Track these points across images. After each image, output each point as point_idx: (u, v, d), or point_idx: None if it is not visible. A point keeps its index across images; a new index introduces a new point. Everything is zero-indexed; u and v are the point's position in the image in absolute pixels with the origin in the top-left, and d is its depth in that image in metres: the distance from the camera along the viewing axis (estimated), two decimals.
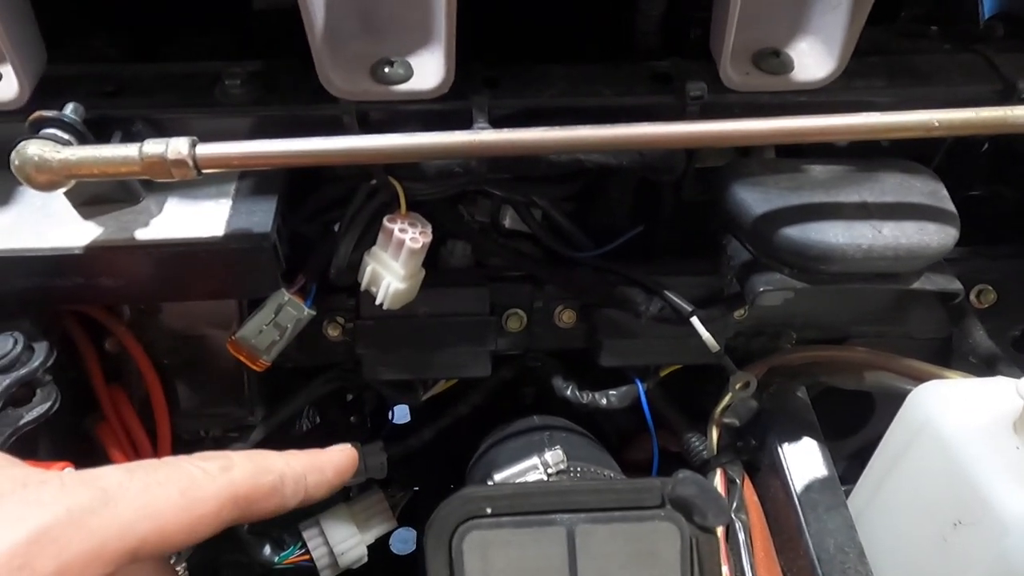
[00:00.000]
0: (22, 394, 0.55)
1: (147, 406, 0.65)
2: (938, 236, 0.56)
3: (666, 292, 0.63)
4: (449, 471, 0.78)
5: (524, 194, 0.66)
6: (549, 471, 0.61)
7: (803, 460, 0.63)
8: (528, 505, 0.46)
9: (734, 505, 0.64)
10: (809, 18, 0.59)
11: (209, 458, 0.39)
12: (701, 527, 0.46)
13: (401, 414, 1.00)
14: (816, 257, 0.55)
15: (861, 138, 0.53)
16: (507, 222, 0.68)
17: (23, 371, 0.54)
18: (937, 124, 0.50)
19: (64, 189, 0.50)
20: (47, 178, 0.49)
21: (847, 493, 0.62)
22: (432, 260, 0.66)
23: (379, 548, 0.79)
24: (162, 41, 0.67)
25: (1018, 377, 0.48)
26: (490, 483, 0.62)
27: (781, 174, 0.59)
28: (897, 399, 0.57)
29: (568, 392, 0.70)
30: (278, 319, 0.60)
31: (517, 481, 0.61)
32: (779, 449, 0.64)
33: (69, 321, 0.62)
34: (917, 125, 0.50)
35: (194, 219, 0.56)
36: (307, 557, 0.74)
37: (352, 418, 0.86)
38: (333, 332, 0.66)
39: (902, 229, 0.56)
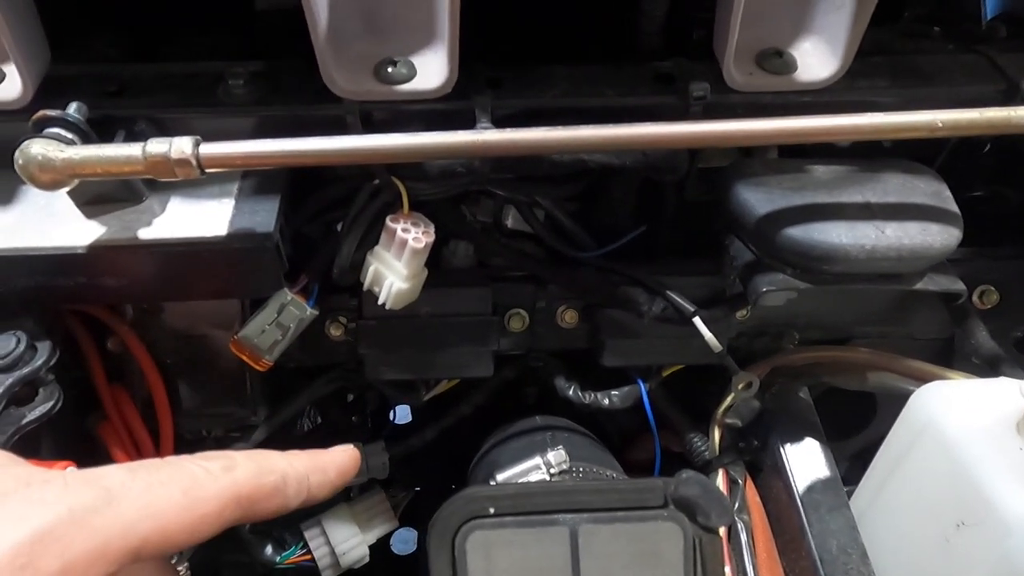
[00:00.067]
0: (25, 393, 0.55)
1: (149, 406, 0.65)
2: (941, 237, 0.56)
3: (669, 292, 0.63)
4: (451, 471, 0.78)
5: (527, 194, 0.65)
6: (552, 471, 0.61)
7: (805, 461, 0.63)
8: (531, 505, 0.46)
9: (736, 506, 0.64)
10: (812, 18, 0.59)
11: (212, 458, 0.39)
12: (704, 527, 0.46)
13: (403, 414, 1.00)
14: (819, 257, 0.55)
15: (864, 138, 0.53)
16: (510, 222, 0.68)
17: (26, 370, 0.54)
18: (941, 125, 0.50)
19: (67, 188, 0.50)
20: (50, 177, 0.49)
21: (849, 494, 0.62)
22: (435, 260, 0.66)
23: (380, 548, 0.79)
24: (164, 41, 0.67)
25: (1021, 378, 0.48)
26: (492, 483, 0.62)
27: (784, 174, 0.59)
28: (900, 400, 0.57)
29: (570, 392, 0.70)
30: (280, 319, 0.60)
31: (520, 481, 0.61)
32: (781, 449, 0.64)
33: (72, 320, 0.62)
34: (921, 125, 0.50)
35: (197, 219, 0.56)
36: (309, 557, 0.74)
37: (354, 418, 0.86)
38: (335, 332, 0.66)
39: (905, 230, 0.55)
